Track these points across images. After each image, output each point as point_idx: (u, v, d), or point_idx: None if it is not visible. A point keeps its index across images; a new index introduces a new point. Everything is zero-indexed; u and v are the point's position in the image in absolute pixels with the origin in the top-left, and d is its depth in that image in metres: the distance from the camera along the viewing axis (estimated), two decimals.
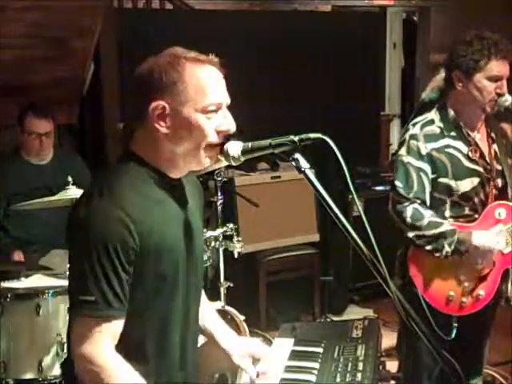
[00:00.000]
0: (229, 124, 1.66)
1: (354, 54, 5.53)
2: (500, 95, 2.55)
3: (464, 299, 2.62)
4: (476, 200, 2.64)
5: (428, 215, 2.57)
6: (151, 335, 1.68)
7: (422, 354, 2.66)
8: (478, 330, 2.80)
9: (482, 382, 3.00)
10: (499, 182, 2.68)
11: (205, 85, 1.62)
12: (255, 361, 1.90)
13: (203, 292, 1.98)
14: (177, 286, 1.69)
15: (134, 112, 1.68)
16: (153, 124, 1.62)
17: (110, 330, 1.58)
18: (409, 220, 2.57)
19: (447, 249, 2.55)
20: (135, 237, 1.56)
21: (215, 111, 1.64)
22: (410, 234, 2.58)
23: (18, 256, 3.55)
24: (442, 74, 2.76)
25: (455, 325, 2.60)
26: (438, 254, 2.57)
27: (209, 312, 1.99)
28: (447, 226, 2.57)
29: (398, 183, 2.61)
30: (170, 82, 1.61)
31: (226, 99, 1.67)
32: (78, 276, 1.57)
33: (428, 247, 2.57)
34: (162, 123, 1.62)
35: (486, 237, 2.57)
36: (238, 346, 1.92)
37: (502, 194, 2.68)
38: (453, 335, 2.59)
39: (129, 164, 1.67)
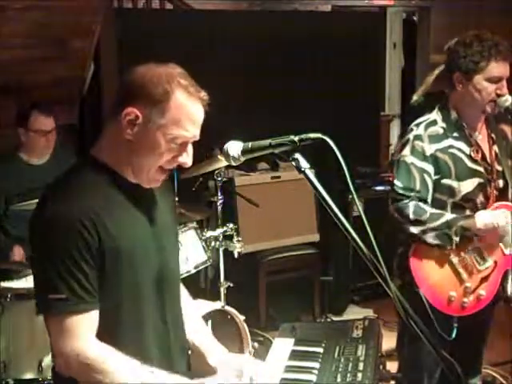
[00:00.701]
0: (187, 159, 1.69)
1: (354, 53, 5.52)
2: (500, 96, 2.55)
3: (465, 299, 2.62)
4: (477, 201, 2.64)
5: (429, 208, 2.57)
6: (124, 339, 1.67)
7: (422, 354, 2.66)
8: (477, 329, 2.80)
9: (481, 382, 3.00)
10: (500, 182, 2.68)
11: (184, 119, 1.63)
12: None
13: (189, 300, 1.98)
14: (142, 287, 1.70)
15: (111, 109, 1.69)
16: (121, 126, 1.64)
17: (88, 323, 1.60)
18: (412, 216, 2.56)
19: (455, 238, 2.54)
20: (93, 234, 1.58)
21: (181, 144, 1.65)
22: (415, 231, 2.56)
23: (18, 251, 3.55)
24: (432, 76, 2.75)
25: (455, 325, 2.60)
26: (449, 247, 2.56)
27: (196, 326, 1.96)
28: (449, 215, 2.58)
29: (397, 183, 2.60)
30: (155, 98, 1.61)
31: (195, 137, 1.68)
32: (45, 277, 1.59)
33: (436, 241, 2.56)
34: (129, 130, 1.63)
35: (489, 216, 2.58)
36: (227, 363, 1.89)
37: (502, 195, 2.68)
38: (453, 335, 2.59)
39: (87, 167, 1.69)
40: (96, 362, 1.58)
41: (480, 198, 2.65)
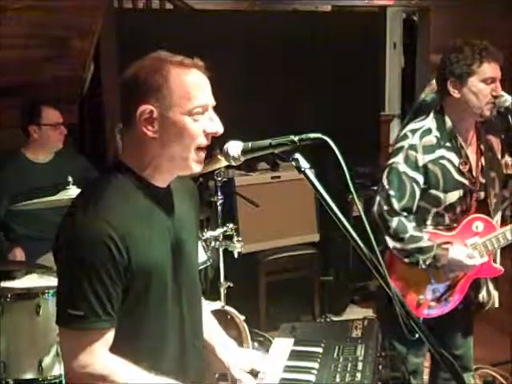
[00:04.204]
0: (216, 126, 1.67)
1: (354, 53, 5.53)
2: (496, 97, 2.56)
3: (432, 303, 2.67)
4: (457, 211, 2.67)
5: (410, 228, 2.60)
6: (144, 350, 1.66)
7: (403, 351, 2.72)
8: (451, 329, 2.83)
9: (481, 382, 3.01)
10: (481, 194, 2.71)
11: (189, 88, 1.62)
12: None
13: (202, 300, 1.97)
14: (166, 299, 1.69)
15: (123, 117, 1.67)
16: (140, 129, 1.62)
17: (102, 340, 1.59)
18: (392, 231, 2.59)
19: (422, 264, 2.59)
20: (123, 251, 1.56)
21: (201, 113, 1.64)
22: (391, 245, 2.61)
23: (20, 253, 3.56)
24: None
25: None
26: (413, 267, 2.61)
27: (208, 322, 1.96)
28: (426, 241, 2.60)
29: (391, 192, 2.61)
30: (156, 86, 1.60)
31: (211, 101, 1.67)
32: (67, 290, 1.58)
33: (406, 260, 2.62)
34: (150, 127, 1.62)
35: (462, 253, 2.61)
36: (238, 358, 1.90)
37: (481, 207, 2.71)
38: (416, 336, 2.62)
39: (116, 174, 1.66)
40: (105, 374, 1.57)
41: (461, 208, 2.67)
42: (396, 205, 2.60)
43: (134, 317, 1.64)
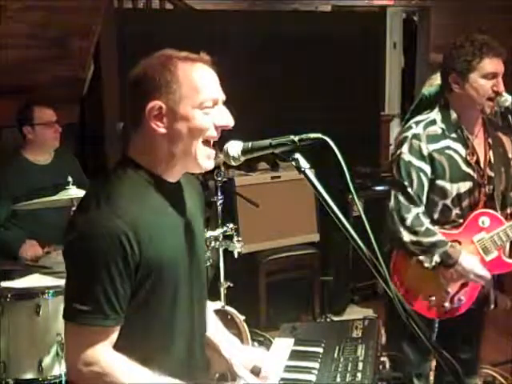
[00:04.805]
0: (227, 119, 1.66)
1: (354, 54, 5.53)
2: (497, 93, 2.56)
3: (446, 304, 2.65)
4: (464, 205, 2.66)
5: (427, 222, 2.59)
6: (153, 347, 1.66)
7: (409, 353, 2.71)
8: (466, 331, 2.81)
9: (481, 382, 3.01)
10: (490, 188, 2.69)
11: (198, 82, 1.62)
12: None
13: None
14: (178, 295, 1.68)
15: (130, 115, 1.67)
16: (150, 125, 1.61)
17: (107, 338, 1.58)
18: (409, 223, 2.57)
19: (436, 259, 2.57)
20: (135, 248, 1.55)
21: (211, 107, 1.64)
22: (407, 239, 2.58)
23: (32, 248, 3.55)
24: (437, 81, 2.76)
25: (436, 325, 2.63)
26: (427, 265, 2.59)
27: (211, 321, 1.96)
28: (440, 236, 2.59)
29: (406, 183, 2.60)
30: (164, 82, 1.60)
31: (220, 95, 1.67)
32: (76, 285, 1.57)
33: (420, 256, 2.59)
34: (160, 123, 1.61)
35: (472, 262, 2.60)
36: (241, 355, 1.90)
37: (489, 201, 2.69)
38: (433, 338, 2.60)
39: (126, 170, 1.65)
40: (107, 372, 1.56)
41: (468, 202, 2.66)
42: (413, 195, 2.58)
43: (145, 313, 1.63)
